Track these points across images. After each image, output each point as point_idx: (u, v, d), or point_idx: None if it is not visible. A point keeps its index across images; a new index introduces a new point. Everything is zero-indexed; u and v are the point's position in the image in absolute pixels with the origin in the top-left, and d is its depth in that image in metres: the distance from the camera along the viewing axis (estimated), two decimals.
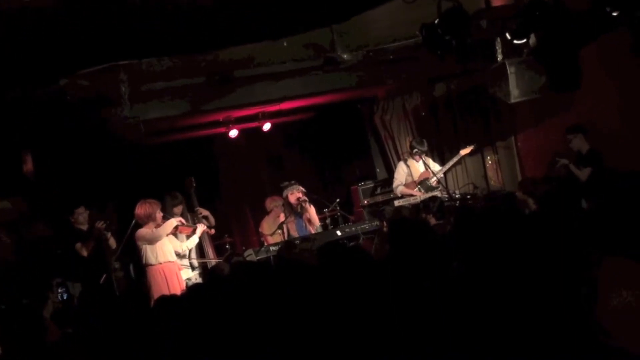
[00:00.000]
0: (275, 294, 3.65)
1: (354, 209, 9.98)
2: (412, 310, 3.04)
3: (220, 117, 9.27)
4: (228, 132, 9.48)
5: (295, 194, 8.07)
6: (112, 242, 7.66)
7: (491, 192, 8.59)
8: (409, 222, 4.13)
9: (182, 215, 8.10)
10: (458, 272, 3.28)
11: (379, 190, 9.91)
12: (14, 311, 4.17)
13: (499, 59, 7.43)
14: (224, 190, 10.85)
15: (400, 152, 10.16)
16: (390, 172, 10.30)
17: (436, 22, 5.75)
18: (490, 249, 3.14)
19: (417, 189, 8.69)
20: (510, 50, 7.30)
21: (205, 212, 8.37)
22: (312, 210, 8.18)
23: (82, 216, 7.67)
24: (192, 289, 4.51)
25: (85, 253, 7.50)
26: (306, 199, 8.08)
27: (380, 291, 3.30)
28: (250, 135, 10.15)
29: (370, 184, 10.00)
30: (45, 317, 5.44)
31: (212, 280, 5.06)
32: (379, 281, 3.41)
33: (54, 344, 4.17)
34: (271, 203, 8.97)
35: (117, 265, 7.82)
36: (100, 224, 7.47)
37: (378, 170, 10.77)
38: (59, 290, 7.19)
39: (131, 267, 8.13)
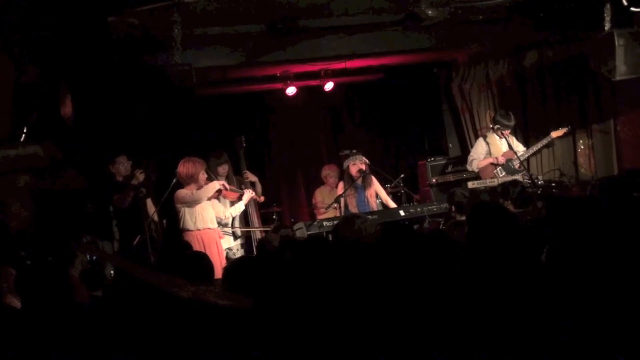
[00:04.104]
0: (333, 275, 3.62)
1: (420, 187, 9.88)
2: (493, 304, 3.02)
3: (277, 71, 9.24)
4: (285, 89, 9.46)
5: (357, 164, 8.04)
6: (150, 204, 7.76)
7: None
8: (492, 208, 4.04)
9: (227, 177, 8.13)
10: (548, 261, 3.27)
11: (450, 169, 9.77)
12: (37, 267, 4.24)
13: (606, 27, 7.17)
14: (275, 154, 10.83)
15: (478, 127, 9.98)
16: (465, 148, 10.15)
17: None
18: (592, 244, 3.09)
19: (497, 170, 8.53)
20: (621, 19, 7.05)
21: (253, 178, 8.37)
22: (377, 184, 8.14)
23: (123, 166, 7.77)
24: (239, 262, 4.51)
25: (124, 204, 7.61)
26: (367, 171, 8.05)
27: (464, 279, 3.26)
28: (310, 94, 10.11)
29: (441, 160, 9.87)
30: (74, 276, 5.54)
31: (262, 254, 5.08)
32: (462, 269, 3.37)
33: (81, 306, 4.24)
34: (327, 172, 8.95)
35: (152, 227, 7.90)
36: (139, 172, 7.57)
37: (450, 145, 10.61)
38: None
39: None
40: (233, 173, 8.35)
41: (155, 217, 7.81)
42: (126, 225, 7.68)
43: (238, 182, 8.28)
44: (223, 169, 8.12)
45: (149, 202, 7.81)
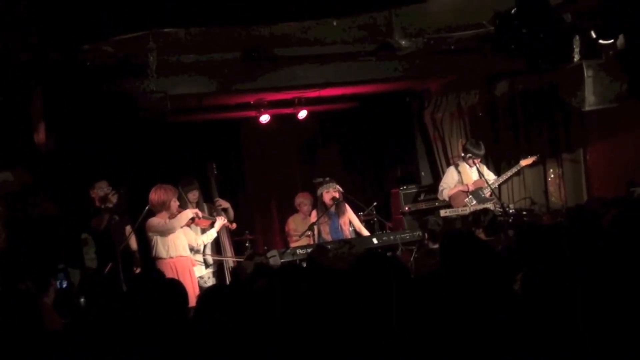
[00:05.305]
0: (307, 303, 3.63)
1: (393, 215, 9.95)
2: (466, 333, 3.05)
3: (252, 99, 9.29)
4: (259, 117, 9.50)
5: (330, 192, 8.08)
6: (129, 231, 7.76)
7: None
8: (465, 236, 4.09)
9: (198, 204, 8.12)
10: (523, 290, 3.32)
11: (422, 197, 9.86)
12: (9, 295, 4.21)
13: (575, 59, 7.29)
14: (248, 181, 10.86)
15: (450, 156, 10.10)
16: (437, 177, 10.24)
17: (513, 12, 5.68)
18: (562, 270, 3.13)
19: (468, 199, 8.61)
20: (589, 51, 7.18)
21: (225, 204, 8.36)
22: (351, 212, 8.19)
23: (102, 191, 7.74)
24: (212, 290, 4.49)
25: (101, 227, 7.60)
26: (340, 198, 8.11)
27: (426, 310, 3.29)
28: (283, 122, 10.16)
29: (413, 189, 9.95)
30: (47, 303, 5.50)
31: (236, 282, 5.07)
32: (420, 298, 3.40)
33: (53, 334, 4.21)
34: (300, 200, 8.98)
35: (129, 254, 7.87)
36: (112, 194, 7.55)
37: (423, 173, 10.72)
38: (58, 277, 7.25)
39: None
40: (204, 200, 8.34)
41: (133, 245, 7.79)
42: (102, 253, 7.66)
43: (209, 208, 8.26)
44: (193, 195, 8.11)
45: (127, 229, 7.79)
